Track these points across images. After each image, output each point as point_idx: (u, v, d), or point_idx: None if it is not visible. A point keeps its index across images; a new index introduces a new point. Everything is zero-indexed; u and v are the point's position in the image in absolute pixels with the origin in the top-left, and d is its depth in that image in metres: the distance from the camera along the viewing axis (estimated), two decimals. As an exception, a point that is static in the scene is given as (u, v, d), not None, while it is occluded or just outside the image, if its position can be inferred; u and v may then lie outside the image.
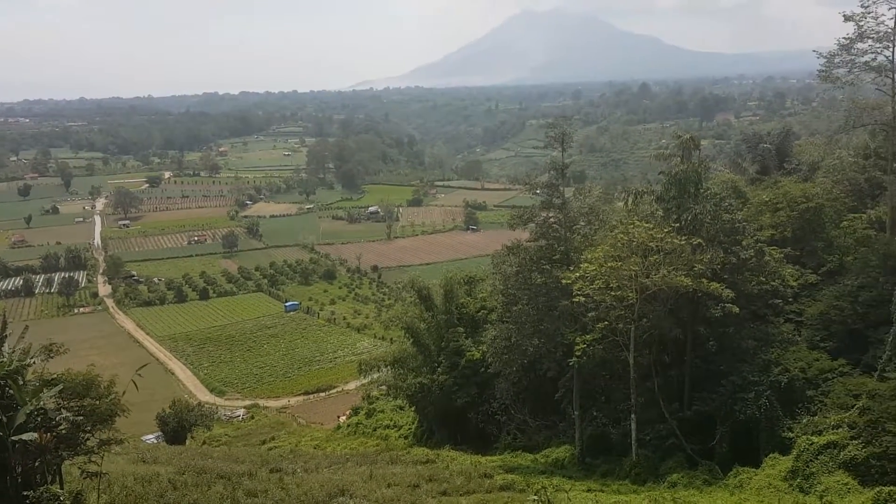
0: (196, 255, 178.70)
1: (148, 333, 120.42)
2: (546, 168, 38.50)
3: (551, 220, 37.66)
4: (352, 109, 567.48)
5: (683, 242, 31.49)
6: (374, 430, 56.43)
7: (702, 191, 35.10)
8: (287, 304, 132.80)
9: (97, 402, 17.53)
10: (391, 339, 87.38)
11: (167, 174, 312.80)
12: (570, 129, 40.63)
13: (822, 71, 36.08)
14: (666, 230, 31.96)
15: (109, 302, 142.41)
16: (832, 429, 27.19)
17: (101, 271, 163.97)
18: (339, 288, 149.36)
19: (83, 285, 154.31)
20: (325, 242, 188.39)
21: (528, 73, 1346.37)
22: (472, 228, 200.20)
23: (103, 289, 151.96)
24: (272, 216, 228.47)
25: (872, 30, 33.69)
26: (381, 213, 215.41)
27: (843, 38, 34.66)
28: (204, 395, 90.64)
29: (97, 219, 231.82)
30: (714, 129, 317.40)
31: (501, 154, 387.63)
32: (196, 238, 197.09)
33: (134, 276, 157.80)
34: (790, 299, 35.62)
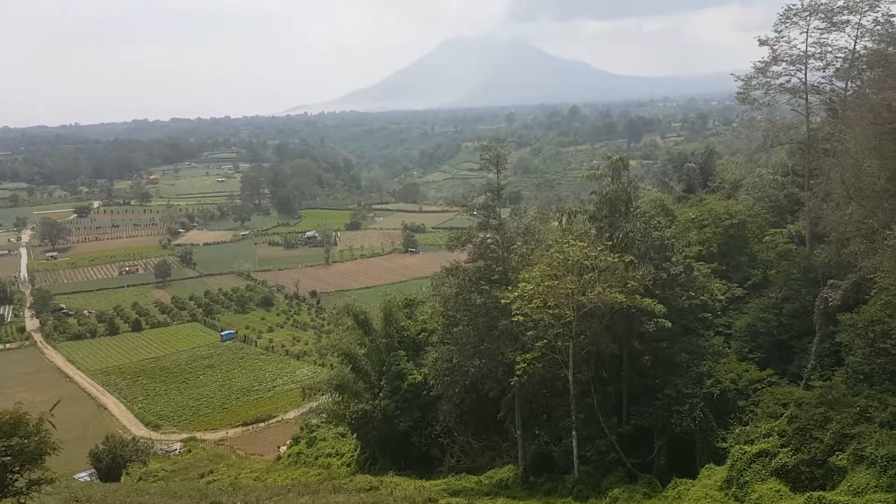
0: (128, 286, 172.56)
1: (79, 368, 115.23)
2: (482, 190, 38.83)
3: (489, 240, 37.95)
4: (287, 134, 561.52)
5: (616, 260, 32.11)
6: (316, 458, 55.14)
7: (632, 209, 35.94)
8: (223, 333, 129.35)
9: (25, 441, 16.66)
10: (331, 365, 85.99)
11: (96, 203, 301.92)
12: (504, 151, 41.16)
13: (741, 93, 37.56)
14: (599, 248, 32.57)
15: (37, 336, 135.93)
16: (763, 437, 27.98)
17: (28, 305, 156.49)
18: (277, 315, 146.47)
19: (9, 320, 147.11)
20: (262, 269, 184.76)
21: (462, 96, 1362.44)
22: (412, 251, 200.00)
23: (31, 323, 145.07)
24: (206, 244, 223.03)
25: (786, 53, 35.33)
26: (319, 238, 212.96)
27: (759, 61, 36.23)
28: (139, 430, 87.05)
29: (23, 251, 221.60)
30: (641, 149, 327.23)
31: (438, 176, 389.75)
32: (127, 268, 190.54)
33: (63, 309, 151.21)
34: (719, 313, 36.73)
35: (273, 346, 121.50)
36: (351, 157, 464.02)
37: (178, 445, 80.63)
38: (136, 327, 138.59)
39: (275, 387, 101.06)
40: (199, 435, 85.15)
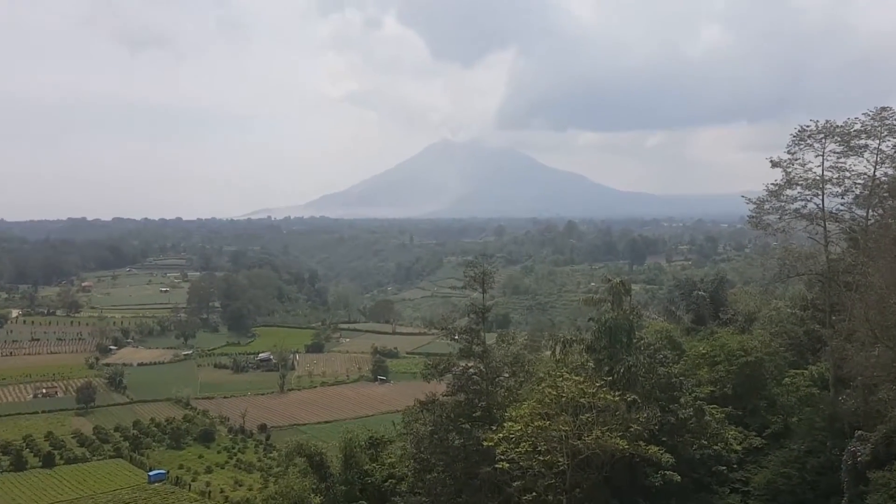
0: (43, 412, 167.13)
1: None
2: (465, 311, 39.23)
3: (471, 370, 37.96)
4: (246, 240, 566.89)
5: (617, 399, 32.08)
6: None
7: (635, 341, 36.34)
8: (151, 473, 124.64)
9: None
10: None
11: (15, 312, 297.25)
12: (491, 268, 41.99)
13: (753, 217, 38.94)
14: (598, 384, 32.60)
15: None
16: None
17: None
18: (218, 452, 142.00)
19: None
20: (204, 396, 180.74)
21: (446, 206, 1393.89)
22: (382, 379, 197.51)
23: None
24: (141, 364, 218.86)
25: (800, 177, 36.94)
26: (274, 361, 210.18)
27: (772, 184, 37.79)
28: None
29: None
30: (645, 272, 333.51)
31: (416, 294, 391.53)
32: (44, 390, 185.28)
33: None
34: (735, 465, 36.38)
35: (210, 491, 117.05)
36: (317, 267, 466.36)
37: None
38: (49, 462, 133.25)
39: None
40: None
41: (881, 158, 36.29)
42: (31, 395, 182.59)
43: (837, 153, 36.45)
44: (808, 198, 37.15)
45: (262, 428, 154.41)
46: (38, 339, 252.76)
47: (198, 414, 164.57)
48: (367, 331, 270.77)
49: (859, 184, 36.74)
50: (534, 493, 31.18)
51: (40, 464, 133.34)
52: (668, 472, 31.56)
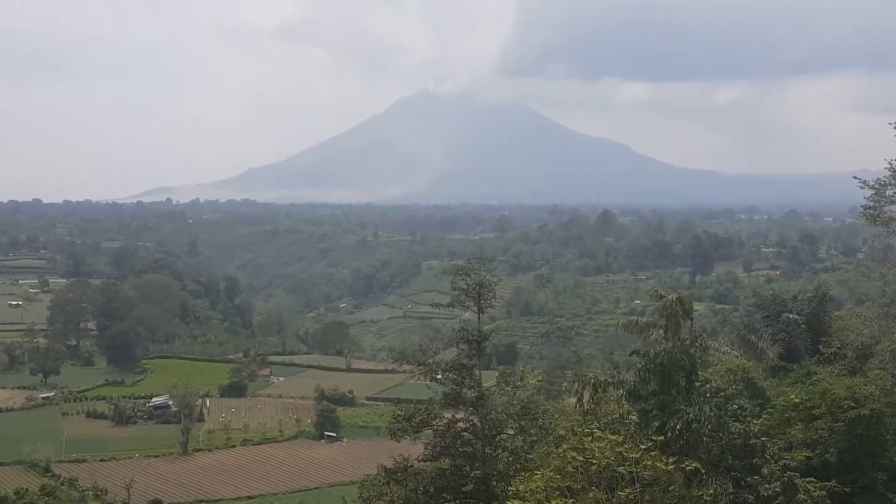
0: None
1: None
2: (453, 338, 39.14)
3: (460, 424, 37.84)
4: (135, 233, 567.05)
5: (672, 467, 32.10)
6: None
7: (697, 384, 36.31)
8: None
9: None
10: None
11: None
12: (492, 277, 41.94)
13: (869, 208, 38.82)
14: (644, 447, 32.60)
15: None
16: None
17: None
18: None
19: None
20: (73, 459, 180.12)
21: (426, 186, 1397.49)
22: (330, 436, 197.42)
23: None
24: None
25: (939, 151, 36.93)
26: (174, 408, 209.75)
27: (896, 160, 37.71)
28: None
29: None
30: (713, 286, 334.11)
31: (381, 313, 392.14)
32: None
33: None
34: (840, 565, 36.50)
35: None
36: (239, 274, 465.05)
37: None
38: None
39: None
40: None
41: None
42: None
43: None
44: (951, 181, 37.15)
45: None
46: None
47: (62, 484, 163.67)
48: (309, 366, 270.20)
49: None
50: None
51: None
52: (744, 575, 31.65)
